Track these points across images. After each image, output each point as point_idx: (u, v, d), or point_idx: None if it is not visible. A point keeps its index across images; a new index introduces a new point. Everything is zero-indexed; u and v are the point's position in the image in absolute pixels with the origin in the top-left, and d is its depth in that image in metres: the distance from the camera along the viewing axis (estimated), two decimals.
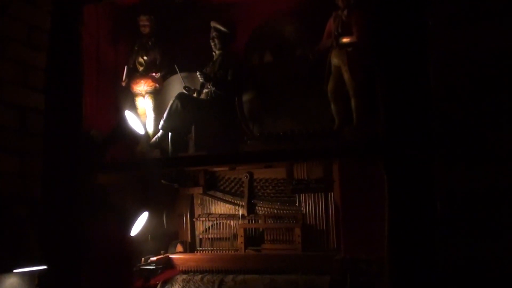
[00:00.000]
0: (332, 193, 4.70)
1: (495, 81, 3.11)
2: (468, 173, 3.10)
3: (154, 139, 4.87)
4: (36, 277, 4.00)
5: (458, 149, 3.15)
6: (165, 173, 5.03)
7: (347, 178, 4.44)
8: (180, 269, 4.89)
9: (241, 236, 5.00)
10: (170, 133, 4.75)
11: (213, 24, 5.01)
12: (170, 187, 5.15)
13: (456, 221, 3.11)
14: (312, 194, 4.80)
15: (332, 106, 4.39)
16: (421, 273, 3.29)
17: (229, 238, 5.13)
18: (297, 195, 4.88)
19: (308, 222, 4.80)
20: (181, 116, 4.73)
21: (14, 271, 3.71)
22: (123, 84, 5.23)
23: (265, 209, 5.03)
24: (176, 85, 5.23)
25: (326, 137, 4.31)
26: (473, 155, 3.12)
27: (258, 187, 5.13)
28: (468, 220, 3.09)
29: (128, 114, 4.52)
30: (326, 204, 4.74)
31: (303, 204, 4.85)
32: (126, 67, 5.23)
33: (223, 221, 5.18)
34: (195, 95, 5.00)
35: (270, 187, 5.09)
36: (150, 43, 5.38)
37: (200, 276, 4.68)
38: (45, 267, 3.83)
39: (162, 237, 5.16)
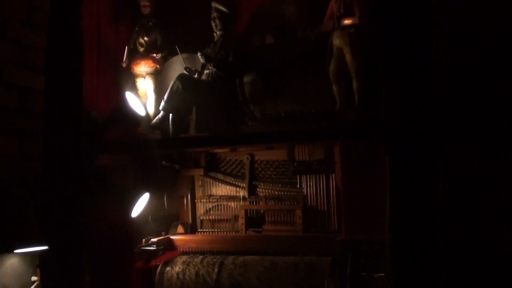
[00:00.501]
0: (334, 175, 4.71)
1: (498, 63, 3.09)
2: (470, 155, 3.09)
3: (155, 120, 4.86)
4: (37, 258, 4.00)
5: (460, 131, 3.14)
6: (166, 154, 5.02)
7: (349, 160, 4.43)
8: (181, 250, 4.90)
9: (242, 217, 5.01)
10: (171, 114, 4.74)
11: (214, 4, 4.98)
12: (171, 168, 5.15)
13: (457, 202, 3.10)
14: (313, 176, 4.81)
15: (334, 88, 4.37)
16: (422, 255, 3.28)
17: (230, 219, 5.14)
18: (298, 176, 4.89)
19: (309, 203, 4.81)
20: (182, 97, 4.71)
21: (15, 251, 3.71)
22: (124, 65, 5.22)
23: (266, 190, 5.04)
24: (177, 66, 5.20)
25: (328, 118, 4.31)
26: (476, 137, 3.10)
27: (259, 169, 5.13)
28: (470, 202, 3.08)
29: (129, 95, 4.49)
30: (327, 186, 4.76)
31: (304, 185, 4.86)
32: (126, 48, 5.21)
33: (224, 203, 5.18)
34: (196, 76, 4.97)
35: (271, 169, 5.09)
36: (150, 23, 5.35)
37: (200, 258, 4.68)
38: (45, 247, 3.82)
39: (163, 219, 5.16)
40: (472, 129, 3.11)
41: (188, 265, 4.64)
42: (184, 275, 4.60)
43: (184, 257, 4.75)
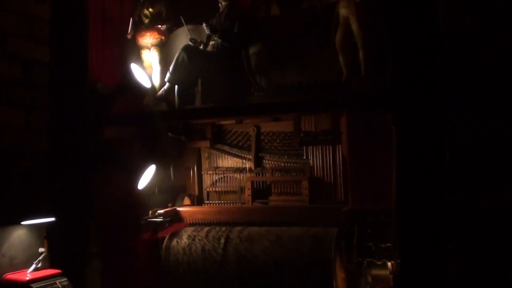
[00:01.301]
0: (340, 146, 4.70)
1: (505, 28, 3.05)
2: (476, 121, 3.07)
3: (160, 92, 4.84)
4: (44, 229, 4.02)
5: (467, 98, 3.12)
6: (172, 126, 5.01)
7: (355, 130, 4.41)
8: (188, 222, 4.91)
9: (248, 189, 5.01)
10: (176, 86, 4.72)
11: None
12: (177, 140, 5.14)
13: (465, 170, 3.09)
14: (320, 147, 4.80)
15: (340, 58, 4.33)
16: (429, 224, 3.28)
17: (236, 191, 5.15)
18: (304, 148, 4.88)
19: (315, 174, 4.81)
20: (188, 69, 4.68)
21: (22, 223, 3.72)
22: (129, 36, 5.18)
23: (272, 162, 5.04)
24: (182, 38, 5.16)
25: (334, 88, 4.28)
26: (482, 104, 3.08)
27: (266, 141, 5.13)
28: (477, 169, 3.07)
29: (134, 67, 4.48)
30: (334, 157, 4.75)
31: (310, 157, 4.85)
32: (131, 19, 5.17)
33: (231, 175, 5.19)
34: (201, 47, 4.94)
35: (278, 140, 5.08)
36: None
37: (205, 232, 4.66)
38: (52, 219, 3.84)
39: (170, 190, 5.16)
40: (478, 94, 3.09)
41: (193, 239, 4.63)
42: (190, 249, 4.61)
43: (189, 231, 4.75)
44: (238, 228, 4.63)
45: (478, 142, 3.07)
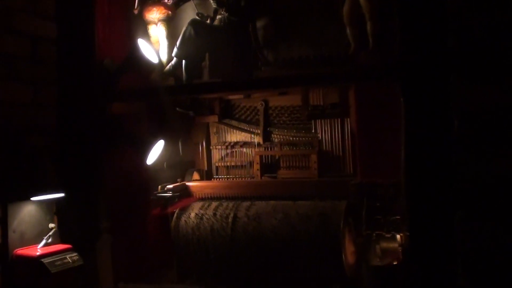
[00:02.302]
0: (348, 119, 4.69)
1: None
2: (485, 91, 3.06)
3: (168, 67, 4.83)
4: (54, 205, 4.04)
5: (475, 67, 3.10)
6: (180, 101, 5.01)
7: (363, 103, 4.40)
8: (197, 196, 4.92)
9: (257, 163, 5.02)
10: (184, 61, 4.70)
11: None
12: (186, 115, 5.14)
13: (473, 140, 3.08)
14: (328, 120, 4.80)
15: (348, 30, 4.30)
16: (437, 196, 3.28)
17: (245, 165, 5.16)
18: (313, 121, 4.88)
19: (324, 148, 4.81)
20: (195, 43, 4.66)
21: (32, 199, 3.74)
22: (136, 12, 5.15)
23: (281, 136, 5.04)
24: (189, 12, 5.14)
25: (342, 61, 4.26)
26: (490, 72, 3.06)
27: (274, 115, 5.12)
28: (486, 139, 3.05)
29: (141, 42, 4.45)
30: (342, 130, 4.75)
31: (319, 130, 4.85)
32: None
33: (239, 149, 5.19)
34: (208, 21, 4.91)
35: (286, 115, 5.08)
36: None
37: (212, 210, 4.65)
38: (62, 195, 3.85)
39: (178, 165, 5.17)
40: (487, 63, 3.07)
41: (201, 218, 4.63)
42: (199, 229, 4.61)
43: (197, 209, 4.73)
44: (245, 204, 4.62)
45: (487, 111, 3.05)
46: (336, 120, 4.77)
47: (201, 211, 4.68)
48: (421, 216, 3.39)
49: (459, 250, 3.17)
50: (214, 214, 4.61)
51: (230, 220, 4.51)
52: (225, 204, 4.69)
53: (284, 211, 4.41)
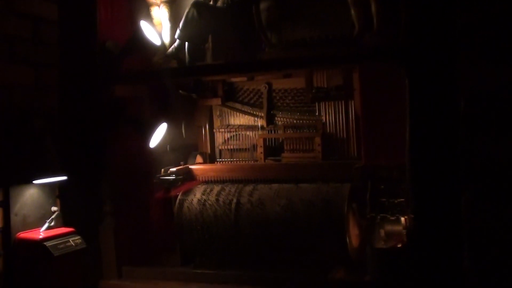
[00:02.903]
0: (353, 101, 4.65)
1: None
2: (493, 70, 3.02)
3: (170, 49, 4.80)
4: (57, 189, 4.04)
5: (482, 47, 3.06)
6: (183, 84, 4.99)
7: (368, 85, 4.36)
8: (200, 179, 4.89)
9: (261, 146, 4.99)
10: (186, 43, 4.67)
11: None
12: (189, 97, 5.12)
13: (480, 119, 3.05)
14: (332, 103, 4.76)
15: (352, 11, 4.26)
16: (443, 177, 3.26)
17: (248, 149, 5.13)
18: (316, 104, 4.84)
19: (328, 131, 4.77)
20: (198, 25, 4.62)
21: (34, 182, 3.73)
22: None
23: (285, 119, 5.00)
24: None
25: (346, 43, 4.23)
26: (497, 50, 3.03)
27: (277, 98, 5.08)
28: (493, 118, 3.03)
29: (144, 25, 4.43)
30: (347, 113, 4.70)
31: (323, 113, 4.81)
32: None
33: (243, 132, 5.16)
34: (211, 3, 4.88)
35: (289, 97, 5.04)
36: None
37: (214, 196, 4.60)
38: (64, 178, 3.84)
39: (181, 149, 5.14)
40: (494, 43, 3.04)
41: (203, 205, 4.60)
42: (202, 216, 4.58)
43: (199, 194, 4.69)
44: (247, 189, 4.57)
45: (495, 91, 3.02)
46: (340, 102, 4.72)
47: (204, 197, 4.64)
48: (426, 199, 3.38)
49: (464, 232, 3.16)
50: (217, 201, 4.57)
51: (233, 206, 4.48)
52: (227, 189, 4.64)
53: (287, 197, 4.37)
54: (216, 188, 4.69)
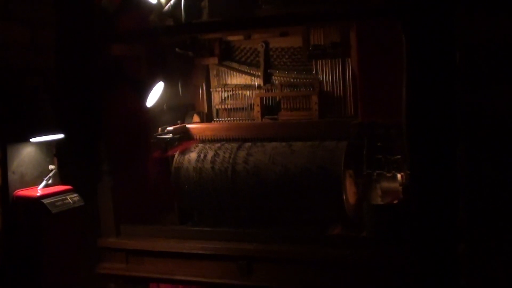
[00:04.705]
0: (349, 59, 4.63)
1: None
2: (489, 22, 3.01)
3: (167, 7, 4.76)
4: (54, 147, 4.04)
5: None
6: (179, 42, 4.97)
7: (365, 43, 4.34)
8: (197, 138, 4.89)
9: (258, 105, 4.98)
10: (183, 0, 4.63)
11: None
12: (185, 56, 5.10)
13: (476, 72, 3.05)
14: (329, 61, 4.75)
15: None
16: (439, 133, 3.27)
17: (245, 108, 5.13)
18: (313, 63, 4.82)
19: (325, 89, 4.77)
20: None
21: (31, 140, 3.73)
22: None
23: (282, 78, 4.99)
24: None
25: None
26: (494, 4, 3.02)
27: (274, 57, 5.06)
28: (489, 71, 3.02)
29: None
30: (343, 71, 4.70)
31: (320, 71, 4.80)
32: None
33: (240, 92, 5.15)
34: None
35: (286, 56, 5.02)
36: None
37: (209, 162, 4.56)
38: (62, 136, 3.85)
39: (178, 108, 5.14)
40: None
41: (200, 173, 4.57)
42: (200, 183, 4.58)
43: (193, 161, 4.65)
44: (242, 154, 4.50)
45: (493, 43, 3.01)
46: (337, 60, 4.71)
47: (199, 165, 4.59)
48: (422, 155, 3.39)
49: (460, 186, 3.18)
50: (212, 168, 4.54)
51: (229, 173, 4.45)
52: (221, 154, 4.58)
53: (283, 164, 4.33)
54: (211, 152, 4.62)
